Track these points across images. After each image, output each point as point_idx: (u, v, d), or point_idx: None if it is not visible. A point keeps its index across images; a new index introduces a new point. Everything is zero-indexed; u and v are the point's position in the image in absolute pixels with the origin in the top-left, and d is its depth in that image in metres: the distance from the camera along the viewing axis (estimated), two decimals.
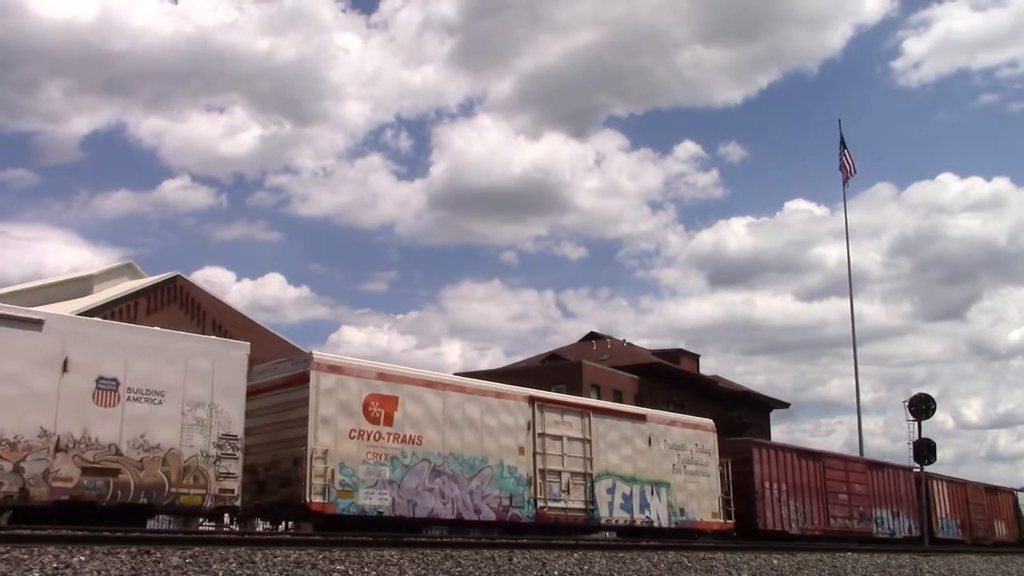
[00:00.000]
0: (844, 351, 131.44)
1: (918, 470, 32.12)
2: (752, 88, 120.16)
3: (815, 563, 16.84)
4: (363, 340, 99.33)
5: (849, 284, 48.62)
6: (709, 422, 23.55)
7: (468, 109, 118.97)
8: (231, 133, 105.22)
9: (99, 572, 8.46)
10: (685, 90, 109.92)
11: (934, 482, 33.29)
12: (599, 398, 48.00)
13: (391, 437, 16.02)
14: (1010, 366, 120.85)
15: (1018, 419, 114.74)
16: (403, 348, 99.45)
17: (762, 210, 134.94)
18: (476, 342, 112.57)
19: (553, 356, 56.29)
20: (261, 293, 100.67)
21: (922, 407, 30.21)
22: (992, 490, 39.10)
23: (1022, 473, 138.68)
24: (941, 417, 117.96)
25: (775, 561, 16.24)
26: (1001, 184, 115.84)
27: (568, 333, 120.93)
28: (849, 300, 47.69)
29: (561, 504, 18.60)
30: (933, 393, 30.76)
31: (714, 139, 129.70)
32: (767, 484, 24.25)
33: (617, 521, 19.73)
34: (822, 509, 26.18)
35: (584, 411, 19.91)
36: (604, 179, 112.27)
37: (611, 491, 19.76)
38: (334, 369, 15.62)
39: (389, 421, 16.08)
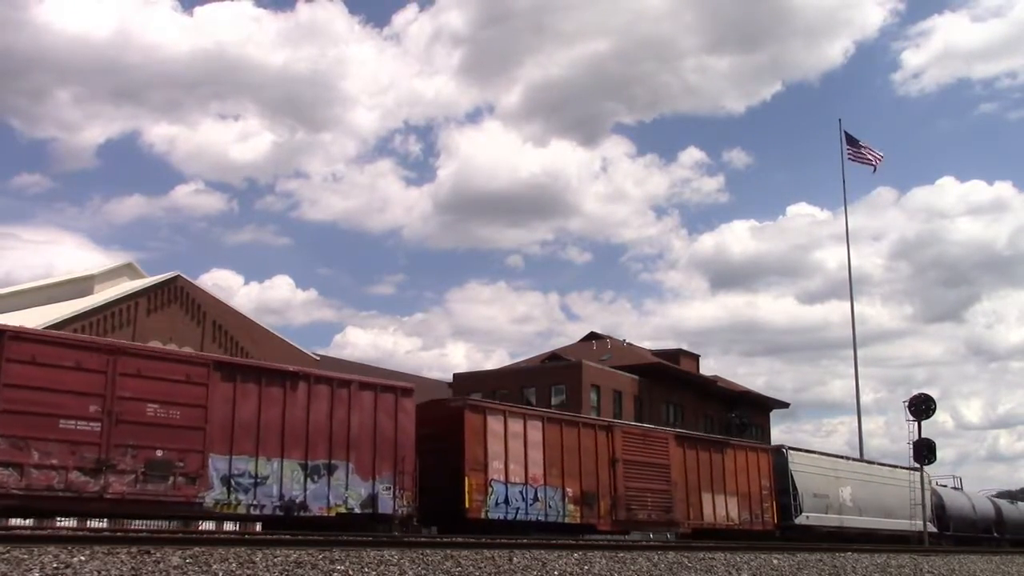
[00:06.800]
0: (845, 353, 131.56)
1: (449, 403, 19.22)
2: (756, 98, 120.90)
3: (815, 563, 16.85)
4: (369, 341, 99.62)
5: (850, 287, 48.79)
6: None
7: (476, 117, 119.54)
8: (244, 139, 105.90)
9: (99, 572, 8.46)
10: (690, 98, 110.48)
11: (468, 414, 17.62)
12: (599, 398, 47.86)
13: None
14: (1009, 367, 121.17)
15: (1018, 419, 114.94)
16: (408, 349, 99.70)
17: (765, 214, 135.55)
18: (481, 344, 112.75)
19: (553, 356, 56.21)
20: (269, 295, 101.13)
21: (922, 407, 30.02)
22: (716, 445, 23.73)
23: (1022, 473, 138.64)
24: (941, 418, 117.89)
25: (775, 561, 16.25)
26: (1003, 188, 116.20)
27: (572, 335, 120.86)
28: (850, 302, 47.86)
29: None
30: (934, 394, 30.43)
31: (718, 145, 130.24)
32: None
33: None
34: None
35: None
36: (610, 185, 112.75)
37: None
38: None
39: None
